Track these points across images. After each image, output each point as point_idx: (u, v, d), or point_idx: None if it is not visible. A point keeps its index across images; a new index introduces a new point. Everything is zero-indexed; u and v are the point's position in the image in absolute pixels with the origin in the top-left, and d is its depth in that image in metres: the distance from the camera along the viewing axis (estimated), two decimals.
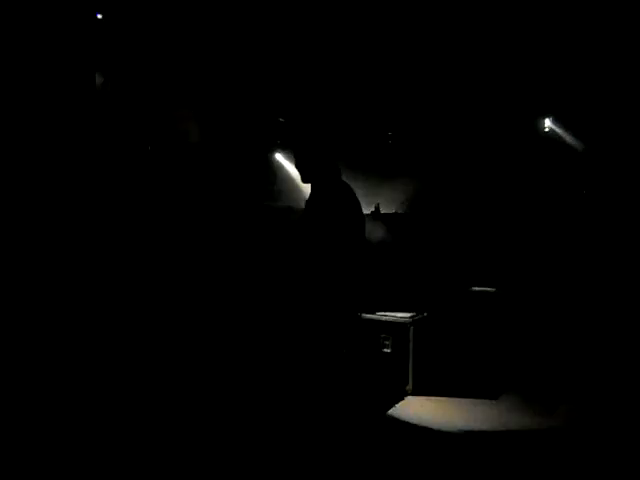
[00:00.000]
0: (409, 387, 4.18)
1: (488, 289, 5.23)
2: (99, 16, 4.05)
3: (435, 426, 3.45)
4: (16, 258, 3.52)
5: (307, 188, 2.29)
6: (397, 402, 3.96)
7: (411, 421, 3.55)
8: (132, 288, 4.29)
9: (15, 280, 3.47)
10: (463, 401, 4.01)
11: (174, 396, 3.54)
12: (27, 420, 2.93)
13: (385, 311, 4.57)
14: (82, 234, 4.01)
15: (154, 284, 4.50)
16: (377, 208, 6.20)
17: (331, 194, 2.15)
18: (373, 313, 4.54)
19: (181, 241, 4.92)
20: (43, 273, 3.66)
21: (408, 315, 4.41)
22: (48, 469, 2.55)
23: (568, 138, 5.64)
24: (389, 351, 4.35)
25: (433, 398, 4.05)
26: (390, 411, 3.79)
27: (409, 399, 4.05)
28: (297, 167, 2.26)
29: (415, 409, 3.81)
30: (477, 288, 5.29)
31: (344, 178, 2.27)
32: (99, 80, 4.48)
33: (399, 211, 6.49)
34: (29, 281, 3.56)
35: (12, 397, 3.03)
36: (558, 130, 5.68)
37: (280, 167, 7.00)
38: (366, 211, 6.21)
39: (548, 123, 5.67)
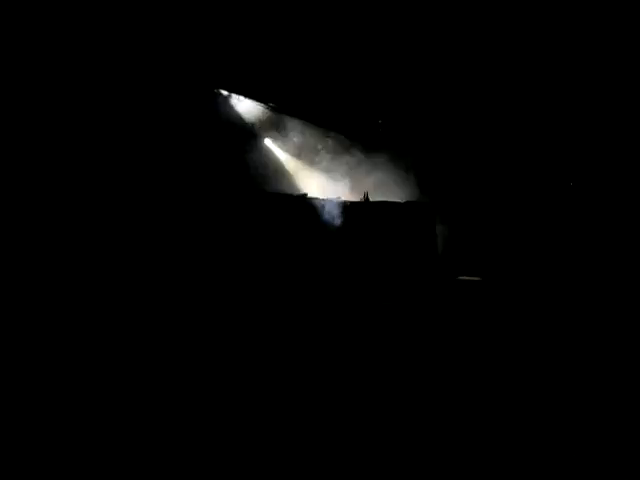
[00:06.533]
0: None
1: (475, 278, 5.28)
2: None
3: None
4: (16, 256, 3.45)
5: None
6: None
7: None
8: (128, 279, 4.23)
9: (15, 279, 3.41)
10: None
11: (174, 395, 3.43)
12: (27, 420, 2.88)
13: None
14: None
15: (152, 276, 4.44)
16: (366, 197, 6.18)
17: None
18: None
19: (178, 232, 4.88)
20: (42, 271, 3.59)
21: None
22: (48, 469, 2.52)
23: None
24: None
25: None
26: None
27: None
28: None
29: None
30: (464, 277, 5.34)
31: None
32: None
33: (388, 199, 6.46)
34: (29, 280, 3.50)
35: (12, 397, 2.98)
36: None
37: (269, 152, 6.94)
38: (354, 199, 6.27)
39: None
